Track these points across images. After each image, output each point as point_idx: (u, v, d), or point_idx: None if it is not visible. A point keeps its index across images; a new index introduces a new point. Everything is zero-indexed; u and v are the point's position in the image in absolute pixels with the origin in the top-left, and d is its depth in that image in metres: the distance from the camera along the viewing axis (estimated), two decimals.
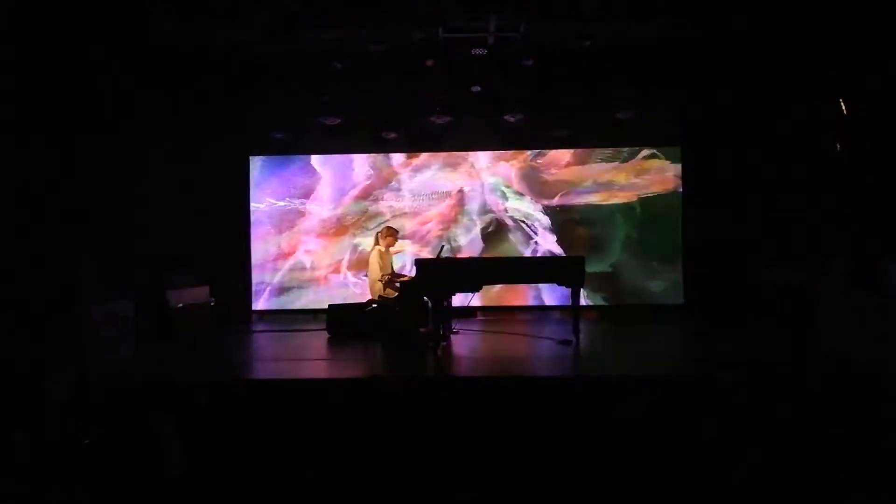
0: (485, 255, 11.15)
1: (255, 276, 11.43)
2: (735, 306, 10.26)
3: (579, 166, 11.40)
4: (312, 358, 7.88)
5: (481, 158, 11.50)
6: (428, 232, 11.39)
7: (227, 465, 5.46)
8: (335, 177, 11.54)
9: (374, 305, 8.73)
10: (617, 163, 11.35)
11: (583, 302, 8.95)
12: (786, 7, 8.71)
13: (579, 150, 11.39)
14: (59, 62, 7.93)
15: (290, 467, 5.46)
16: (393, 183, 11.50)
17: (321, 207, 11.50)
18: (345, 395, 6.00)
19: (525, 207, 11.40)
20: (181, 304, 8.90)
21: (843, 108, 9.23)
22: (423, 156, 11.50)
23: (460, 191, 11.47)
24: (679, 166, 11.24)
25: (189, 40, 9.60)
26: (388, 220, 11.09)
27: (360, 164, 11.53)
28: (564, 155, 11.42)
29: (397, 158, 11.53)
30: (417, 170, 11.51)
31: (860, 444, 5.34)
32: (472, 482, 5.35)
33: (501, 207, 11.43)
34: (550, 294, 11.19)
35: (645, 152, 11.31)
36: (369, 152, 11.49)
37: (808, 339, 7.89)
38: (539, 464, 5.43)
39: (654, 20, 9.30)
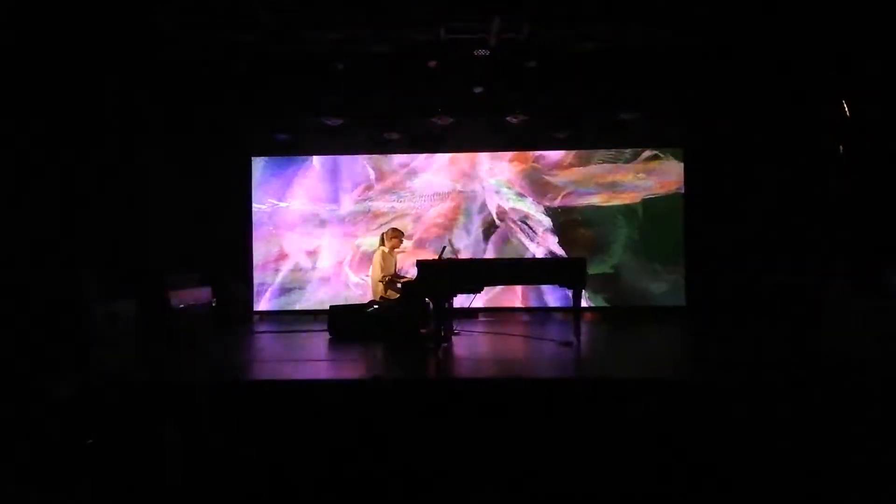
0: (486, 257, 11.15)
1: (257, 277, 11.45)
2: (737, 308, 10.26)
3: (581, 167, 11.40)
4: (313, 359, 7.87)
5: (483, 159, 11.50)
6: (429, 233, 11.39)
7: (228, 465, 5.47)
8: (337, 177, 11.54)
9: (376, 306, 8.73)
10: (619, 164, 11.34)
11: (584, 303, 8.94)
12: (786, 8, 8.70)
13: (581, 152, 11.39)
14: (60, 63, 7.94)
15: (291, 468, 5.46)
16: (394, 184, 11.50)
17: (323, 208, 11.51)
18: (346, 397, 6.00)
19: (527, 208, 11.40)
20: (182, 305, 8.91)
21: (846, 110, 9.23)
22: (425, 156, 11.51)
23: (462, 192, 11.47)
24: (681, 168, 11.23)
25: (191, 41, 9.61)
26: (389, 221, 11.11)
27: (362, 165, 11.54)
28: (566, 156, 11.42)
29: (399, 159, 11.53)
30: (419, 171, 11.52)
31: (862, 445, 5.34)
32: (473, 484, 5.35)
33: (503, 208, 11.44)
34: (552, 295, 11.19)
35: (647, 153, 11.31)
36: (371, 153, 11.50)
37: (810, 341, 7.88)
38: (540, 466, 5.43)
39: (657, 24, 9.30)
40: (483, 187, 11.48)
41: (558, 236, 11.35)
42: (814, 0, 8.55)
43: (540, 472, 5.41)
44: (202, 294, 9.63)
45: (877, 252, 8.25)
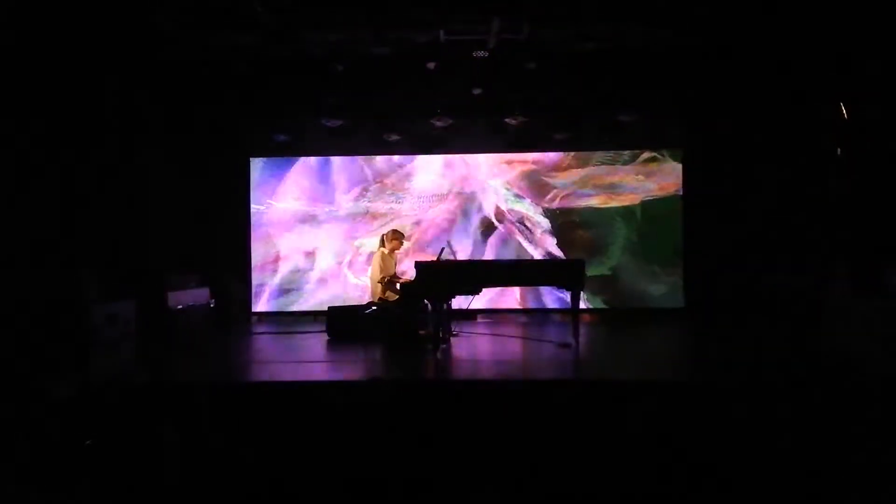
0: (485, 258, 11.15)
1: (256, 278, 11.46)
2: (736, 309, 10.26)
3: (580, 169, 11.41)
4: (312, 360, 7.87)
5: (482, 161, 11.51)
6: (428, 234, 11.40)
7: (227, 467, 5.47)
8: (336, 179, 11.55)
9: (374, 308, 8.73)
10: (618, 166, 11.35)
11: (583, 305, 8.95)
12: (786, 8, 8.71)
13: (580, 153, 11.41)
14: (60, 63, 7.94)
15: (290, 470, 5.47)
16: (393, 185, 11.51)
17: (321, 209, 11.51)
18: (344, 398, 6.00)
19: (525, 210, 11.41)
20: (181, 306, 8.91)
21: (844, 111, 9.24)
22: (425, 158, 11.51)
23: (461, 193, 11.48)
24: (680, 169, 11.24)
25: (191, 41, 9.61)
26: (388, 223, 11.15)
27: (362, 166, 11.54)
28: (565, 158, 11.43)
29: (398, 160, 11.54)
30: (418, 172, 11.53)
31: (862, 445, 5.35)
32: (473, 485, 5.35)
33: (502, 210, 11.45)
34: (550, 297, 11.19)
35: (646, 155, 11.33)
36: (371, 154, 11.51)
37: (810, 341, 7.89)
38: (539, 467, 5.43)
39: (657, 24, 9.31)
40: (482, 189, 11.49)
41: (557, 238, 11.36)
42: (814, 0, 8.56)
43: (539, 472, 5.41)
44: (201, 295, 9.63)
45: (877, 252, 8.26)
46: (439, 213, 11.48)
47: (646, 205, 11.28)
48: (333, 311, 9.34)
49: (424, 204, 11.50)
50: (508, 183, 11.47)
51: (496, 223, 11.45)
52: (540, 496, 5.33)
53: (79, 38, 8.22)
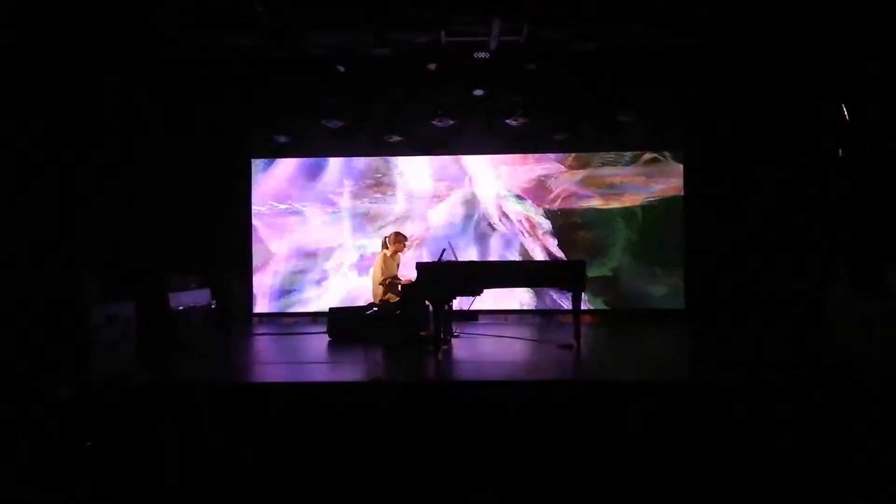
0: (486, 259, 11.14)
1: (256, 279, 11.45)
2: (737, 310, 10.25)
3: (581, 170, 11.40)
4: (313, 361, 7.86)
5: (483, 162, 11.50)
6: (429, 235, 11.39)
7: (228, 468, 5.45)
8: (337, 180, 11.54)
9: (375, 309, 8.71)
10: (618, 167, 11.35)
11: (584, 306, 8.94)
12: (786, 8, 8.71)
13: (581, 154, 11.40)
14: (60, 63, 7.93)
15: (290, 470, 5.45)
16: (394, 186, 11.50)
17: (323, 210, 11.51)
18: (345, 399, 5.99)
19: (526, 211, 11.40)
20: (182, 307, 8.90)
21: (846, 112, 9.23)
22: (426, 159, 11.51)
23: (462, 194, 11.47)
24: (681, 170, 11.24)
25: (191, 41, 9.60)
26: (389, 224, 11.17)
27: (363, 167, 11.54)
28: (566, 158, 11.42)
29: (399, 161, 11.53)
30: (419, 173, 11.52)
31: (862, 445, 5.34)
32: (474, 487, 5.34)
33: (503, 211, 11.43)
34: (551, 298, 11.18)
35: (647, 156, 11.32)
36: (372, 155, 11.51)
37: (810, 342, 7.88)
38: (540, 467, 5.43)
39: (657, 24, 9.30)
40: (482, 190, 11.48)
41: (558, 239, 11.35)
42: (814, 0, 8.56)
43: (540, 473, 5.40)
44: (201, 296, 9.63)
45: (877, 252, 8.25)
46: (440, 214, 11.46)
47: (647, 206, 11.28)
48: (334, 312, 9.33)
49: (425, 205, 11.49)
50: (509, 184, 11.46)
51: (497, 224, 11.43)
52: (541, 497, 5.33)
53: (79, 38, 8.22)
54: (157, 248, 9.75)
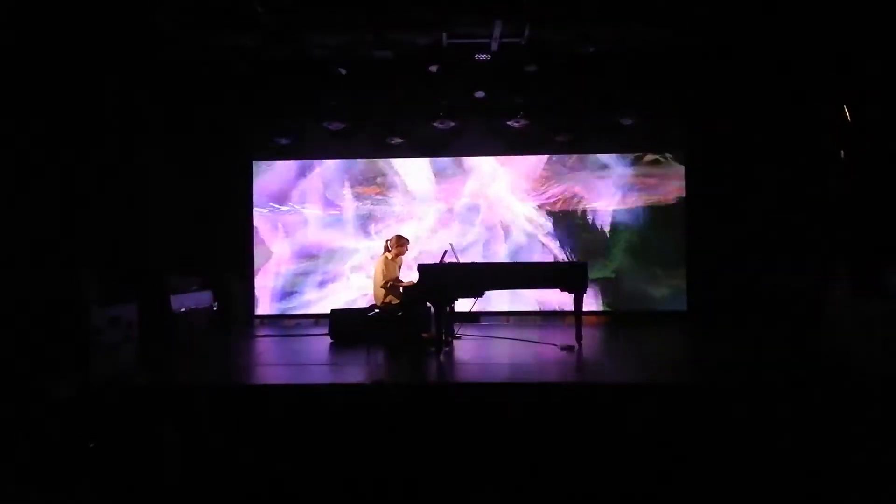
0: (488, 261, 11.11)
1: (258, 281, 11.43)
2: (738, 311, 10.23)
3: (582, 171, 11.38)
4: (315, 363, 7.84)
5: (484, 163, 11.48)
6: (430, 236, 11.37)
7: (228, 470, 5.43)
8: (338, 181, 11.53)
9: (377, 310, 8.68)
10: (620, 168, 11.33)
11: (586, 308, 8.91)
12: (786, 8, 8.70)
13: (582, 155, 11.38)
14: (60, 63, 7.92)
15: (292, 472, 5.43)
16: (395, 188, 11.49)
17: (324, 212, 11.49)
18: (347, 401, 5.97)
19: (528, 212, 11.37)
20: (184, 309, 8.88)
21: (847, 113, 9.22)
22: (427, 160, 11.49)
23: (463, 196, 11.45)
24: (682, 171, 11.22)
25: (191, 41, 9.59)
26: (390, 225, 11.17)
27: (364, 169, 11.52)
28: (567, 160, 11.40)
29: (401, 163, 11.51)
30: (420, 175, 11.50)
31: (862, 446, 5.33)
32: (475, 489, 5.33)
33: (504, 212, 11.41)
34: (553, 299, 11.14)
35: (648, 157, 11.31)
36: (373, 157, 11.50)
37: (811, 343, 7.87)
38: (541, 469, 5.41)
39: (657, 24, 9.30)
40: (484, 191, 11.46)
41: (559, 240, 11.33)
42: (814, 0, 8.55)
43: (541, 474, 5.39)
44: (203, 297, 9.61)
45: (877, 252, 8.25)
46: (441, 215, 11.45)
47: (648, 207, 11.25)
48: (336, 313, 9.30)
49: (426, 206, 11.47)
50: (511, 185, 11.44)
51: (499, 226, 11.41)
52: (541, 498, 5.31)
53: (79, 39, 8.20)
54: (157, 249, 9.74)
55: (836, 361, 6.98)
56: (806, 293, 8.88)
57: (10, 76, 7.17)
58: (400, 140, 11.12)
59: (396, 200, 11.50)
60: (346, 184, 11.52)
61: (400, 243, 8.85)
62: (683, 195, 11.19)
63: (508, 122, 10.88)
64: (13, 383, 5.75)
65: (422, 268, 8.22)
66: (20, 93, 7.30)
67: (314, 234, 11.48)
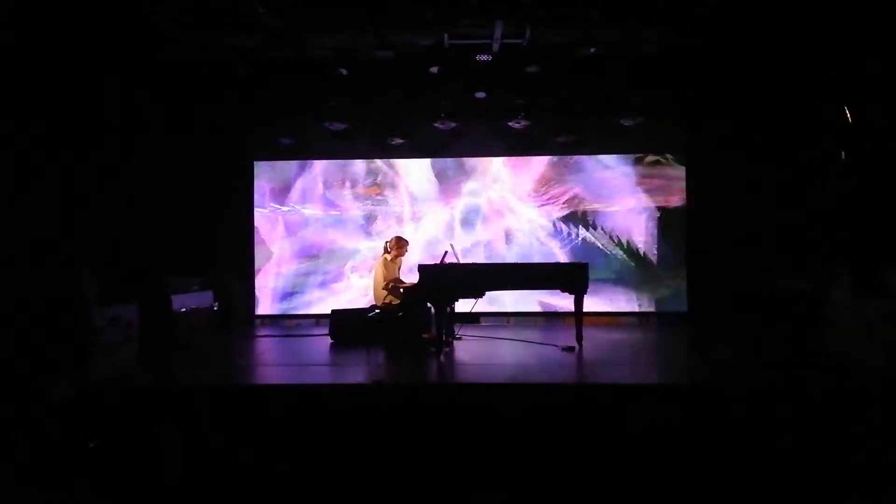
0: (488, 261, 11.10)
1: (259, 281, 11.43)
2: (738, 313, 10.22)
3: (583, 172, 11.37)
4: (315, 363, 7.84)
5: (485, 164, 11.48)
6: (431, 237, 11.37)
7: (229, 470, 5.43)
8: (339, 182, 11.52)
9: (377, 311, 8.67)
10: (621, 168, 11.32)
11: (586, 309, 8.90)
12: (786, 8, 8.70)
13: (583, 156, 11.37)
14: (60, 63, 7.92)
15: (292, 472, 5.43)
16: (396, 188, 11.49)
17: (324, 212, 11.48)
18: (347, 401, 5.96)
19: (529, 213, 11.37)
20: (184, 309, 8.87)
21: (848, 115, 9.22)
22: (428, 161, 11.49)
23: (464, 196, 11.45)
24: (683, 172, 11.21)
25: (191, 42, 9.58)
26: (391, 226, 11.18)
27: (365, 169, 11.52)
28: (568, 161, 11.39)
29: (402, 164, 11.51)
30: (421, 175, 11.49)
31: (862, 446, 5.33)
32: (475, 489, 5.32)
33: (505, 213, 11.41)
34: (554, 300, 11.13)
35: (649, 158, 11.30)
36: (374, 158, 11.50)
37: (812, 344, 7.86)
38: (541, 470, 5.40)
39: (657, 25, 9.30)
40: (485, 192, 11.45)
41: (560, 241, 11.32)
42: (814, 1, 8.55)
43: (542, 475, 5.38)
44: (204, 298, 9.61)
45: (877, 253, 8.24)
46: (442, 216, 11.44)
47: (649, 208, 11.24)
48: (336, 314, 9.29)
49: (427, 207, 11.47)
50: (511, 186, 11.44)
51: (500, 226, 11.41)
52: (542, 498, 5.30)
53: (79, 39, 8.20)
54: (157, 249, 9.74)
55: (836, 362, 6.98)
56: (806, 293, 8.87)
57: (10, 76, 7.16)
58: (401, 140, 11.11)
59: (397, 201, 11.49)
60: (347, 184, 11.52)
61: (400, 245, 8.85)
62: (684, 196, 11.18)
63: (509, 123, 10.88)
64: (13, 383, 5.74)
65: (422, 268, 8.22)
66: (20, 93, 7.29)
67: (315, 234, 11.47)
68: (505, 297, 11.02)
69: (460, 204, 11.46)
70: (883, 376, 6.13)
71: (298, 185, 11.53)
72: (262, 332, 10.53)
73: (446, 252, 8.65)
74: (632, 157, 11.33)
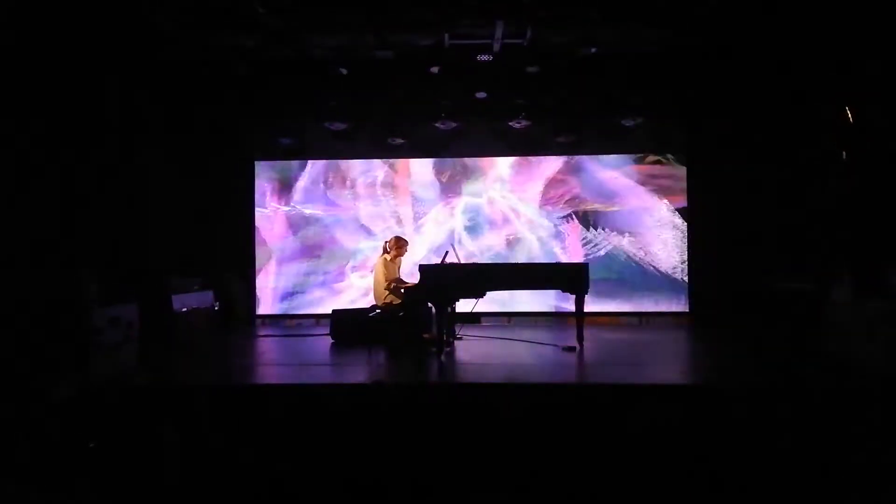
0: (489, 261, 11.10)
1: (259, 281, 11.43)
2: (739, 313, 10.22)
3: (584, 172, 11.37)
4: (316, 363, 7.84)
5: (486, 164, 11.48)
6: (431, 237, 11.37)
7: (229, 470, 5.42)
8: (340, 182, 11.52)
9: (378, 311, 8.67)
10: (622, 168, 11.32)
11: (587, 308, 8.90)
12: (786, 8, 8.70)
13: (584, 156, 11.36)
14: (60, 63, 7.92)
15: (293, 472, 5.43)
16: (397, 188, 11.49)
17: (325, 212, 11.48)
18: (347, 401, 5.96)
19: (530, 213, 11.36)
20: (185, 309, 8.87)
21: (849, 115, 9.21)
22: (429, 161, 11.49)
23: (464, 196, 11.44)
24: (684, 171, 11.21)
25: (191, 42, 9.58)
26: (391, 226, 11.18)
27: (366, 169, 11.51)
28: (569, 160, 11.39)
29: (403, 164, 11.51)
30: (422, 175, 11.49)
31: (863, 446, 5.32)
32: (475, 489, 5.32)
33: (506, 213, 11.40)
34: (555, 300, 11.13)
35: (650, 158, 11.30)
36: (375, 158, 11.50)
37: (812, 344, 7.86)
38: (542, 470, 5.40)
39: (657, 25, 9.30)
40: (486, 192, 11.45)
41: (561, 241, 11.32)
42: (814, 1, 8.55)
43: (542, 475, 5.38)
44: (204, 297, 9.60)
45: (878, 253, 8.24)
46: (443, 216, 11.44)
47: (650, 208, 11.24)
48: (337, 314, 9.29)
49: (428, 207, 11.46)
50: (512, 186, 11.43)
51: (501, 226, 11.41)
52: (543, 498, 5.30)
53: (79, 39, 8.19)
54: (157, 249, 9.74)
55: (836, 362, 6.98)
56: (806, 293, 8.87)
57: (10, 76, 7.16)
58: (401, 140, 11.12)
59: (398, 201, 11.49)
60: (347, 183, 11.51)
61: (399, 244, 8.84)
62: (685, 195, 11.18)
63: (510, 123, 10.88)
64: (13, 383, 5.74)
65: (423, 268, 8.21)
66: (20, 93, 7.29)
67: (315, 233, 11.47)
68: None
69: (461, 204, 11.45)
70: (883, 376, 6.12)
71: (299, 185, 11.52)
72: (262, 331, 10.52)
73: (447, 252, 8.65)
74: (632, 156, 11.32)
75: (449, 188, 11.50)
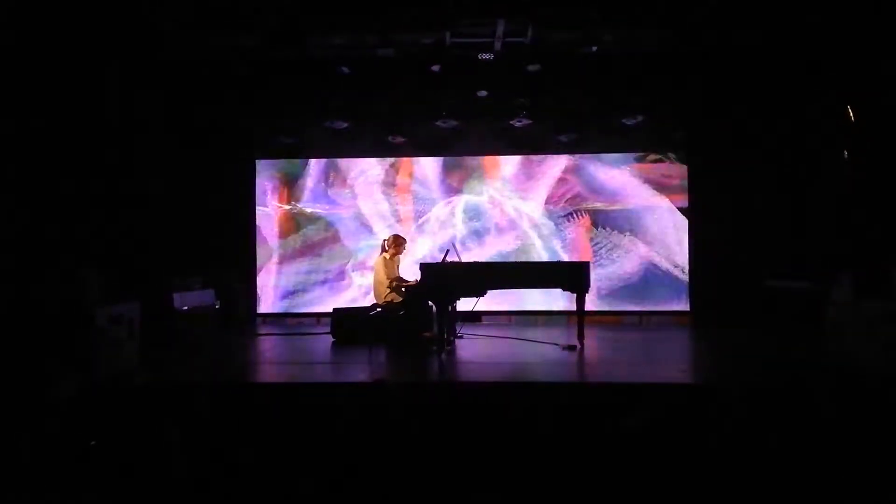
0: (490, 260, 11.10)
1: (260, 280, 11.43)
2: (740, 312, 10.21)
3: (585, 171, 11.36)
4: (316, 362, 7.85)
5: (487, 163, 11.47)
6: (432, 236, 11.37)
7: (231, 468, 5.43)
8: (341, 181, 11.52)
9: (379, 309, 8.67)
10: (622, 167, 11.32)
11: (588, 307, 8.91)
12: (786, 8, 8.69)
13: (586, 155, 11.36)
14: (60, 63, 7.92)
15: (294, 472, 5.42)
16: (398, 187, 11.48)
17: (326, 211, 11.48)
18: (348, 400, 5.96)
19: (531, 212, 11.36)
20: (186, 307, 8.88)
21: (851, 115, 9.21)
22: (430, 160, 11.48)
23: (466, 195, 11.44)
24: (685, 170, 11.20)
25: (191, 42, 9.58)
26: (393, 225, 11.17)
27: (366, 168, 11.51)
28: (570, 159, 11.39)
29: (403, 163, 11.51)
30: (423, 174, 11.49)
31: (864, 448, 5.32)
32: (475, 489, 5.31)
33: (507, 212, 11.40)
34: (555, 299, 11.13)
35: (651, 156, 11.29)
36: (376, 156, 11.49)
37: (813, 344, 7.86)
38: (543, 470, 5.40)
39: (657, 25, 9.30)
40: (487, 191, 11.45)
41: (562, 240, 11.32)
42: (814, 1, 8.54)
43: (543, 475, 5.37)
44: (206, 296, 9.60)
45: (879, 253, 8.23)
46: (444, 214, 11.44)
47: (651, 207, 11.23)
48: (338, 312, 9.29)
49: (429, 206, 11.46)
50: (514, 185, 11.42)
51: (502, 225, 11.41)
52: (543, 497, 5.29)
53: (79, 38, 8.20)
54: (158, 249, 9.73)
55: (836, 362, 6.98)
56: (808, 293, 8.87)
57: (10, 76, 7.16)
58: (402, 139, 11.11)
59: (399, 200, 11.48)
60: (348, 182, 11.51)
61: (397, 243, 8.87)
62: (686, 194, 11.17)
63: (511, 122, 10.87)
64: (13, 383, 5.75)
65: (424, 267, 8.21)
66: (20, 93, 7.29)
67: (316, 233, 11.47)
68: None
69: (462, 203, 11.45)
70: (883, 376, 6.12)
71: (300, 184, 11.52)
72: (263, 330, 10.54)
73: (448, 250, 8.65)
74: (634, 155, 11.31)
75: (450, 187, 11.49)
